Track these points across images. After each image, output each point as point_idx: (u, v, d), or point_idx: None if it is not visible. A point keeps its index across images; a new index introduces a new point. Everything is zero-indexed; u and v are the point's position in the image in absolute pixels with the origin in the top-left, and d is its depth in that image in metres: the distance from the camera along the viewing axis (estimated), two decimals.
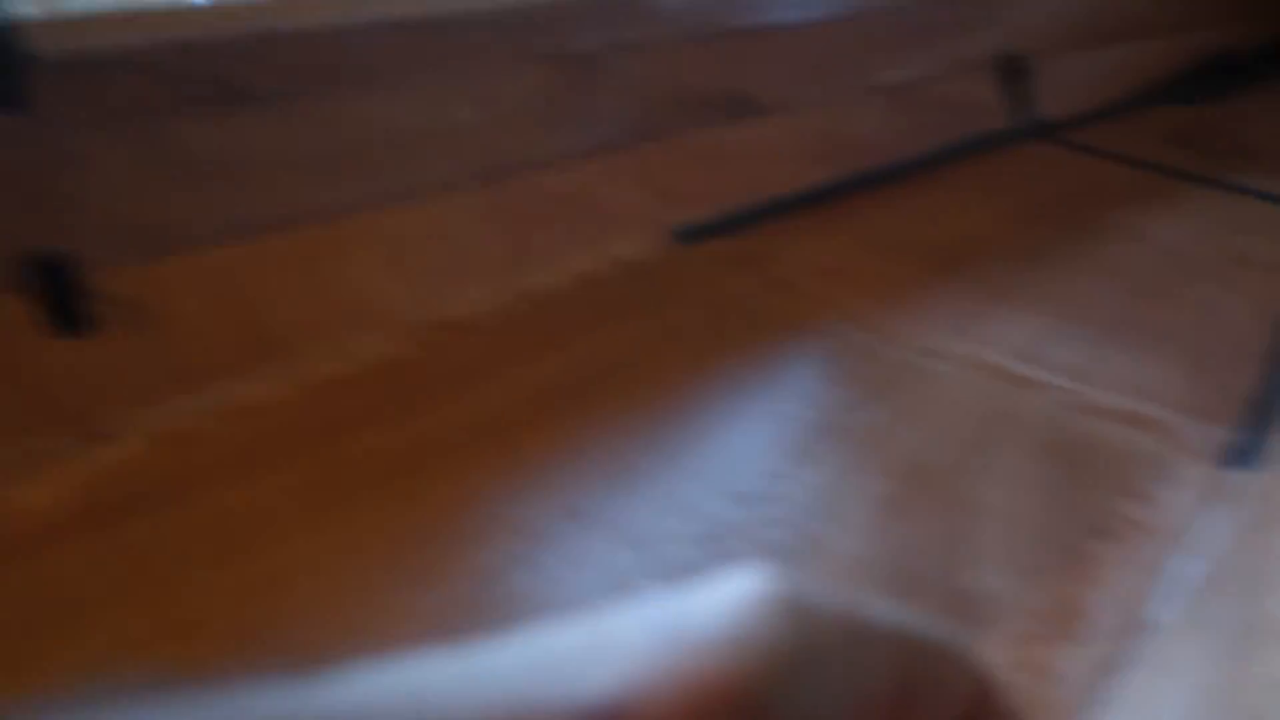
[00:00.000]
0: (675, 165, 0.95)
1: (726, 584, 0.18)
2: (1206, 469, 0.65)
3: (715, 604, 0.18)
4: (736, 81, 1.03)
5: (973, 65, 1.31)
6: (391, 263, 0.76)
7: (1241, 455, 0.66)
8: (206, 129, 0.68)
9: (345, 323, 0.72)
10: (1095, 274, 0.94)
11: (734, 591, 0.18)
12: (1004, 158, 1.24)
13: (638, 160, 0.92)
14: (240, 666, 0.17)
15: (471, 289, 0.77)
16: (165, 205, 0.67)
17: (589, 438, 0.64)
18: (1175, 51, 1.61)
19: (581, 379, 0.70)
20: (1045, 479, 0.63)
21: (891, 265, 0.92)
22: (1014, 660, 0.49)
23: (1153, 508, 0.61)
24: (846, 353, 0.76)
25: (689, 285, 0.84)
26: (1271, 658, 0.40)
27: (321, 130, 0.73)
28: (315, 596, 0.51)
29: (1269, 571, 0.48)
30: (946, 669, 0.20)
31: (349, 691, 0.18)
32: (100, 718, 0.16)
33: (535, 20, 0.83)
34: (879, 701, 0.19)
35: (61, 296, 0.61)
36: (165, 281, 0.66)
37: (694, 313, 0.80)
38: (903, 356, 0.76)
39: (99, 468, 0.57)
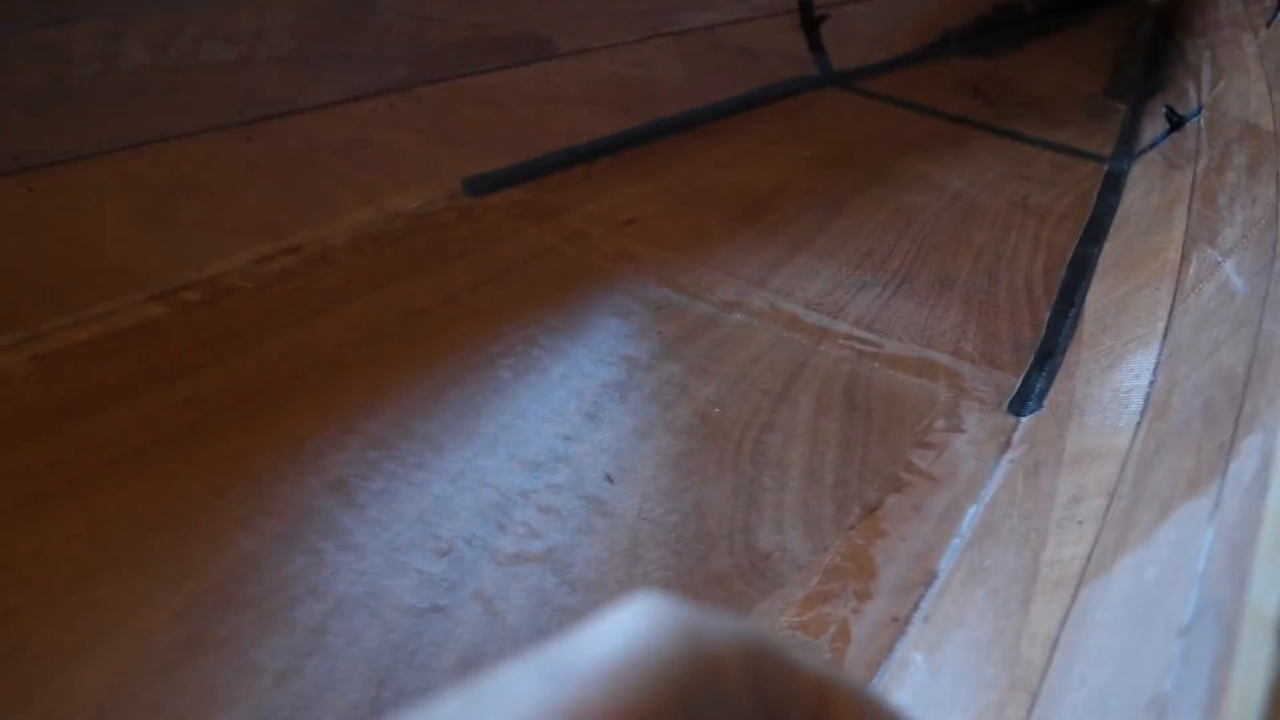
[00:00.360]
0: (462, 111, 0.89)
1: (617, 618, 0.18)
2: (992, 415, 0.66)
3: (606, 639, 0.17)
4: (529, 21, 0.97)
5: (773, 11, 1.30)
6: (139, 216, 0.68)
7: (1025, 401, 0.67)
8: None
9: (86, 284, 0.64)
10: (889, 222, 0.95)
11: (626, 624, 0.18)
12: (803, 105, 1.24)
13: (420, 105, 0.86)
14: None
15: (232, 246, 0.70)
16: None
17: (365, 407, 0.59)
18: (965, 4, 1.65)
19: (358, 343, 0.64)
20: (839, 431, 0.63)
21: (690, 215, 0.90)
22: (808, 620, 0.48)
23: (941, 457, 0.61)
24: (643, 305, 0.74)
25: (479, 239, 0.79)
26: (1045, 610, 0.40)
27: (45, 65, 0.64)
28: (46, 594, 0.45)
29: (1042, 518, 0.49)
30: (851, 706, 0.20)
31: None
32: None
33: None
34: None
35: None
36: None
37: (485, 270, 0.76)
38: (699, 309, 0.74)
39: None
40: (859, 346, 0.72)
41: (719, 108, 1.12)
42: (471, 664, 0.44)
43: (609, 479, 0.56)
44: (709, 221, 0.89)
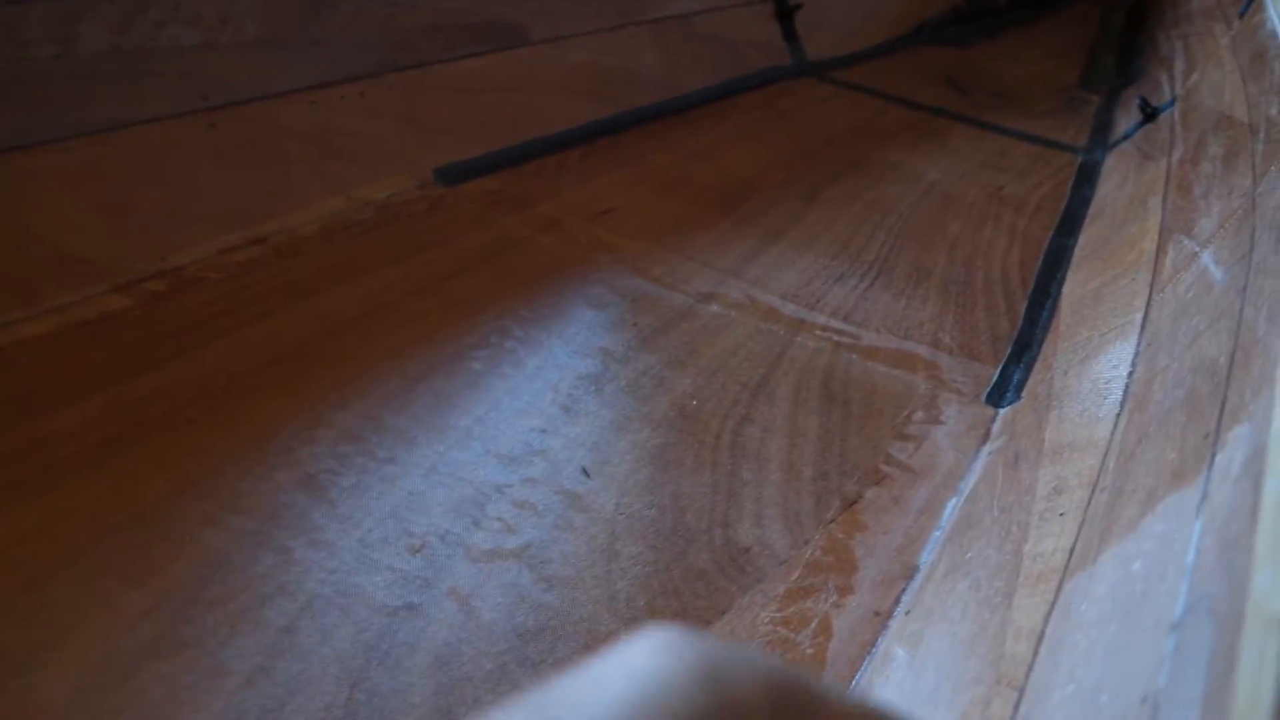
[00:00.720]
0: (434, 98, 0.88)
1: (627, 652, 0.17)
2: (971, 406, 0.66)
3: (615, 676, 0.16)
4: (502, 8, 0.96)
5: (747, 0, 1.29)
6: (100, 205, 0.66)
7: (1004, 392, 0.67)
8: None
9: (45, 275, 0.62)
10: (866, 212, 0.94)
11: (636, 660, 0.17)
12: (778, 95, 1.23)
13: (391, 92, 0.84)
14: None
15: (197, 236, 0.68)
16: None
17: (334, 400, 0.58)
18: None
19: (327, 334, 0.63)
20: (818, 425, 0.62)
21: (666, 204, 0.89)
22: (790, 615, 0.48)
23: (921, 449, 0.61)
24: (619, 296, 0.73)
25: (451, 229, 0.78)
26: (1028, 605, 0.39)
27: None
28: (5, 593, 0.43)
29: (1023, 510, 0.48)
30: None
31: None
32: None
33: None
34: None
35: None
36: None
37: (458, 260, 0.74)
38: (676, 300, 0.73)
39: None
40: (836, 338, 0.72)
41: (694, 97, 1.11)
42: (446, 663, 0.43)
43: (586, 473, 0.55)
44: (685, 211, 0.88)
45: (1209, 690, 0.24)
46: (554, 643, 0.45)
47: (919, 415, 0.64)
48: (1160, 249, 0.73)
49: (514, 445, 0.57)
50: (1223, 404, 0.41)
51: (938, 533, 0.53)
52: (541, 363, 0.64)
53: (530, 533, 0.51)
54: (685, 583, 0.49)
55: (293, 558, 0.47)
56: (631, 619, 0.47)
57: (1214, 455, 0.38)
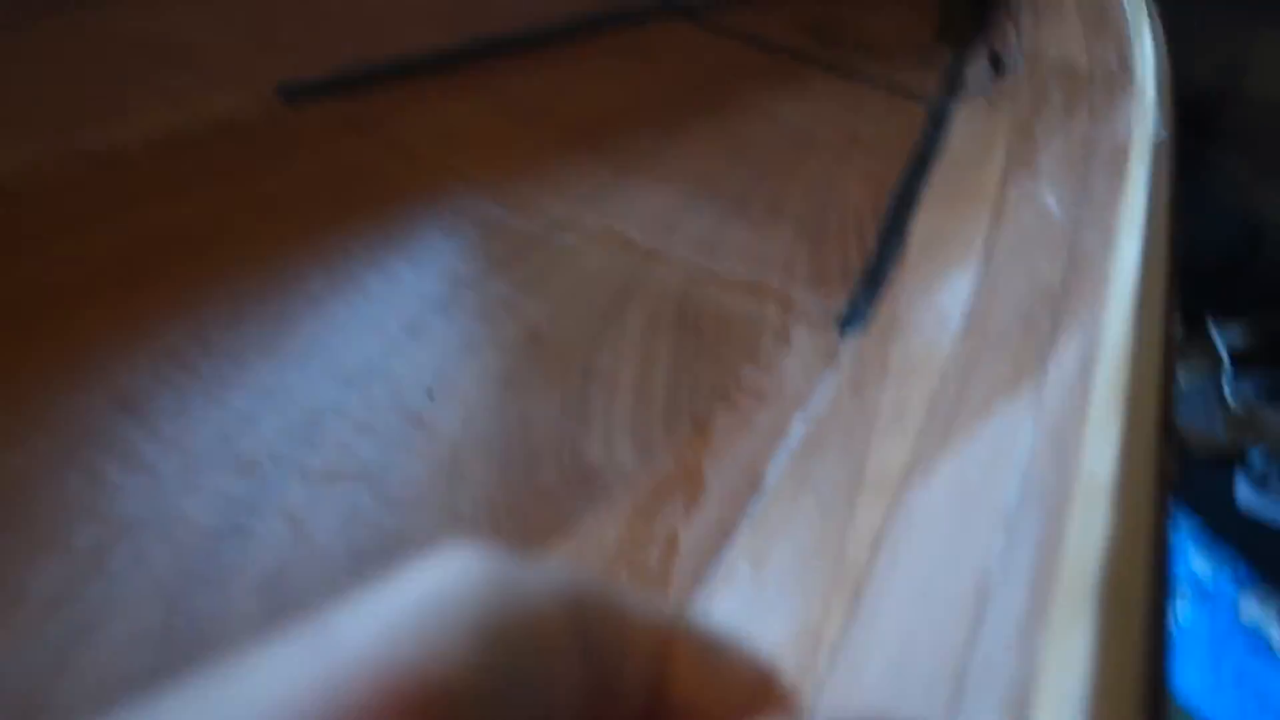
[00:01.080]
0: (279, 13, 0.83)
1: (414, 575, 0.16)
2: (821, 335, 0.66)
3: (395, 601, 0.15)
4: None
5: None
6: None
7: (852, 321, 0.68)
8: None
9: None
10: (725, 151, 0.94)
11: (422, 583, 0.15)
12: (645, 33, 1.22)
13: (234, 4, 0.79)
14: None
15: (12, 147, 0.62)
16: None
17: (159, 319, 0.54)
18: None
19: (151, 252, 0.59)
20: (671, 351, 0.61)
21: (522, 134, 0.87)
22: (635, 533, 0.47)
23: (771, 374, 0.61)
24: (470, 223, 0.70)
25: (294, 149, 0.74)
26: (868, 512, 0.40)
27: None
28: None
29: (866, 429, 0.49)
30: (695, 655, 0.17)
31: None
32: None
33: None
34: (594, 696, 0.16)
35: None
36: None
37: (299, 180, 0.70)
38: (530, 228, 0.72)
39: None
40: (691, 269, 0.71)
41: (558, 29, 1.09)
42: (274, 584, 0.41)
43: (430, 395, 0.53)
44: (543, 142, 0.86)
45: (1038, 571, 0.24)
46: (390, 563, 0.43)
47: (769, 342, 0.64)
48: (1003, 188, 0.75)
49: (354, 367, 0.54)
50: (1056, 318, 0.43)
51: (784, 453, 0.53)
52: (385, 285, 0.61)
53: (369, 454, 0.49)
54: (532, 502, 0.48)
55: (107, 480, 0.44)
56: (475, 539, 0.45)
57: (1047, 364, 0.38)
